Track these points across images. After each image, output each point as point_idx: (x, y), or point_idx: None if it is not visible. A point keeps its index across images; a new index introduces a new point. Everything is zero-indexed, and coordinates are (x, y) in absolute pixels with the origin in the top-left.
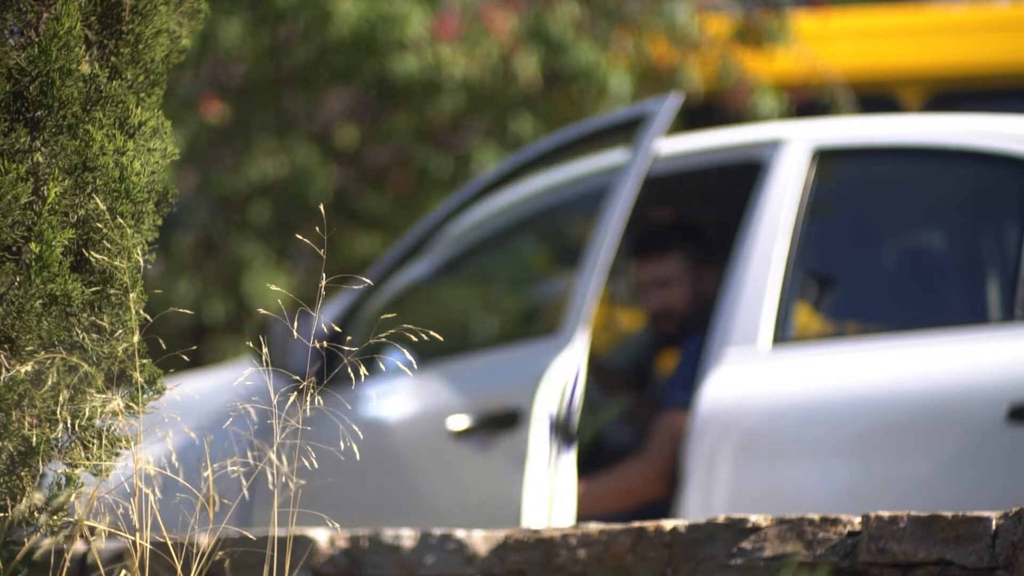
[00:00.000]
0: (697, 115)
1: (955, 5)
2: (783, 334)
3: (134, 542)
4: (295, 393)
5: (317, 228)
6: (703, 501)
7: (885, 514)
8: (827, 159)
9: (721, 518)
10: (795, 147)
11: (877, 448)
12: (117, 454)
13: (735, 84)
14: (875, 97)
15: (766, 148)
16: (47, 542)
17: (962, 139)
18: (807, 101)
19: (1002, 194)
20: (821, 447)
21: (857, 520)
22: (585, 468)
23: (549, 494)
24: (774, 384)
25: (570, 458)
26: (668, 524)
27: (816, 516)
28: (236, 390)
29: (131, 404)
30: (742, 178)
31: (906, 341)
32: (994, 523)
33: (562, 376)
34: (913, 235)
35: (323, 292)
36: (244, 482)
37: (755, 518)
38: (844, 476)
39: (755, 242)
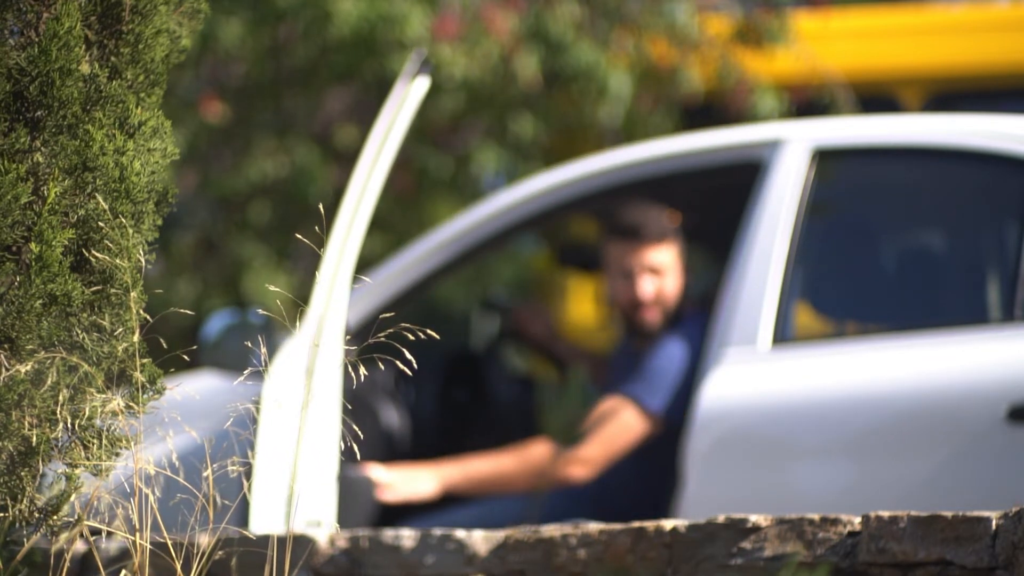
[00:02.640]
0: (697, 115)
1: (955, 5)
2: (783, 334)
3: (134, 542)
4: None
5: (316, 228)
6: (702, 501)
7: (885, 514)
8: (827, 159)
9: (721, 518)
10: (795, 147)
11: (877, 448)
12: (117, 454)
13: (735, 84)
14: (875, 97)
15: (766, 148)
16: (53, 545)
17: (962, 139)
18: (807, 101)
19: (1002, 194)
20: (821, 447)
21: (857, 520)
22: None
23: None
24: (774, 384)
25: None
26: (668, 524)
27: (816, 516)
28: (236, 390)
29: (131, 404)
30: (742, 178)
31: (906, 341)
32: (994, 523)
33: None
34: (913, 235)
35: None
36: (245, 482)
37: (755, 518)
38: (844, 476)
39: (755, 242)
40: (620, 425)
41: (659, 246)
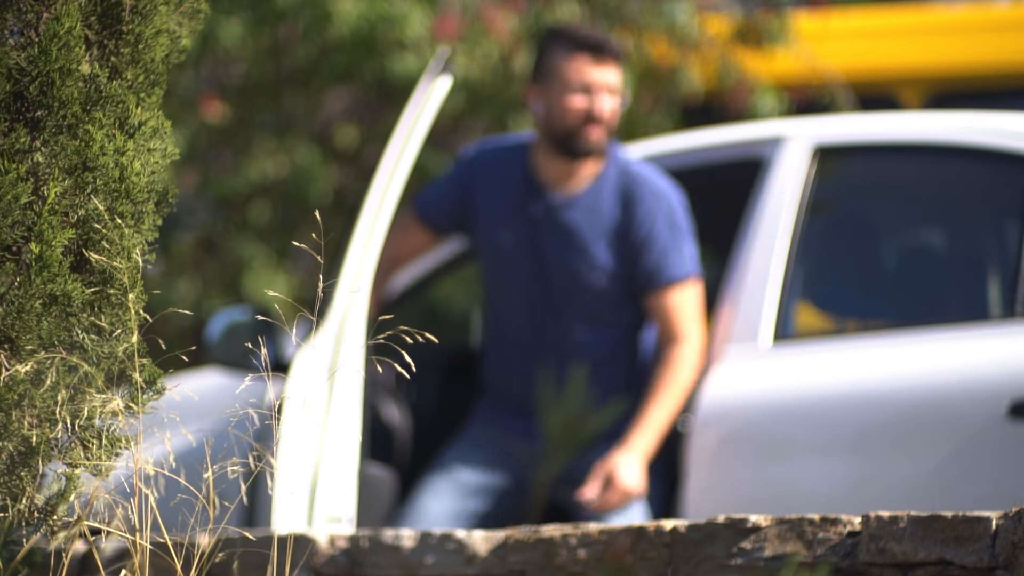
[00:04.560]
0: (697, 115)
1: (955, 5)
2: (784, 331)
3: (134, 542)
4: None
5: (314, 235)
6: (703, 500)
7: (885, 514)
8: (828, 156)
9: (721, 518)
10: (796, 144)
11: (878, 445)
12: (117, 454)
13: (735, 84)
14: (875, 97)
15: (767, 145)
16: (52, 544)
17: (962, 136)
18: (807, 101)
19: (1002, 191)
20: (822, 445)
21: (857, 520)
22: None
23: None
24: (775, 381)
25: None
26: (668, 524)
27: (816, 516)
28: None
29: (131, 404)
30: (743, 175)
31: (907, 338)
32: (994, 523)
33: None
34: (913, 232)
35: (322, 295)
36: (243, 485)
37: (755, 518)
38: (845, 473)
39: (756, 240)
40: (698, 302)
41: (618, 67)
